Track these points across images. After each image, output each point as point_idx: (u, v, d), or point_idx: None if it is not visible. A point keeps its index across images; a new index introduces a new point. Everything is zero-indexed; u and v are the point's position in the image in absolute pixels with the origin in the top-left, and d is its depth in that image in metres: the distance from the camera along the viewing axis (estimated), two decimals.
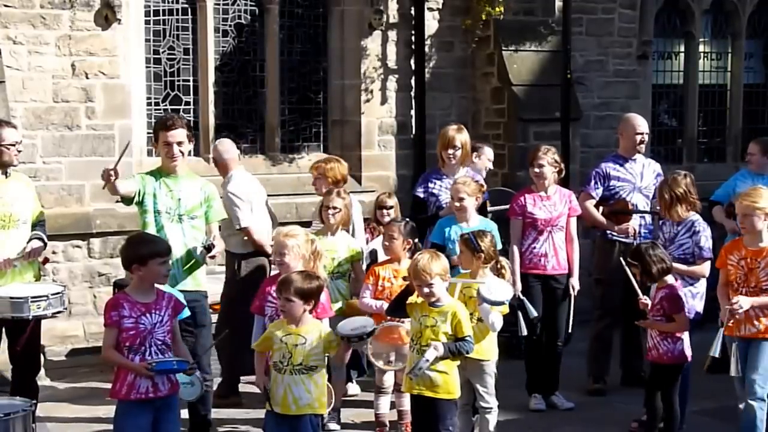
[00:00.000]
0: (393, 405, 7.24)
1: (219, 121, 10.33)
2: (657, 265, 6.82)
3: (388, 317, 6.50)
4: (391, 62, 10.68)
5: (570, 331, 8.01)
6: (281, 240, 6.53)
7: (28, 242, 6.95)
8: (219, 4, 10.25)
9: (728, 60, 12.66)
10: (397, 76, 10.72)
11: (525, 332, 7.30)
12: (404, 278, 6.50)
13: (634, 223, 8.28)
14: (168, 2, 10.02)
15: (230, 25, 10.35)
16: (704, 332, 6.88)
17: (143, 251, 5.49)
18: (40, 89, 9.16)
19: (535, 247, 7.78)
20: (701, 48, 12.45)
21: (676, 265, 7.11)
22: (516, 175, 10.48)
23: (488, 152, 9.09)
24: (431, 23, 10.77)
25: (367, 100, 10.63)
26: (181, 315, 5.80)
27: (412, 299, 6.03)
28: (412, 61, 10.69)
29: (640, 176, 8.39)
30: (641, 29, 11.76)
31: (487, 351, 6.59)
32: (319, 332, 5.62)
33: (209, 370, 7.02)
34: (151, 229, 6.75)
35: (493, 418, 6.66)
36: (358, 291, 7.32)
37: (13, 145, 7.00)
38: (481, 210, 7.83)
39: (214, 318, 7.75)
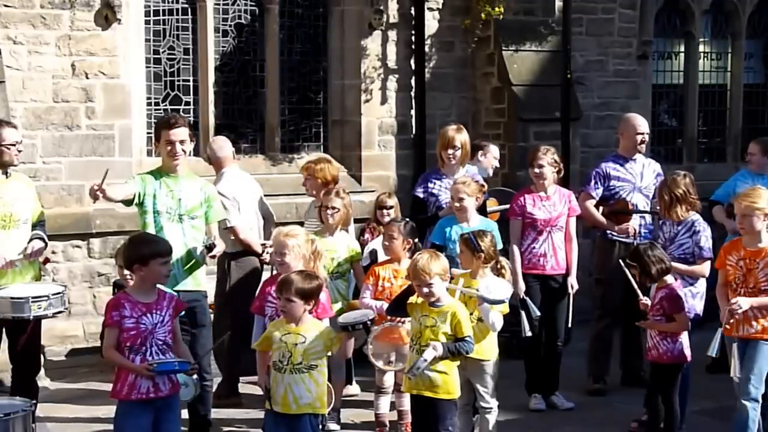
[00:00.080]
0: (393, 405, 7.23)
1: (219, 121, 10.32)
2: (656, 266, 6.81)
3: (389, 317, 6.50)
4: (391, 62, 10.68)
5: (569, 325, 8.00)
6: (281, 240, 6.52)
7: (28, 242, 6.95)
8: (219, 4, 10.24)
9: (728, 60, 12.65)
10: (397, 76, 10.71)
11: (529, 333, 7.31)
12: (406, 278, 6.50)
13: (634, 223, 8.27)
14: (168, 2, 10.01)
15: (230, 25, 10.34)
16: (704, 332, 6.87)
17: (145, 251, 5.50)
18: (40, 89, 9.16)
19: (534, 247, 7.77)
20: (701, 48, 12.44)
21: (676, 264, 7.11)
22: (516, 175, 10.47)
23: (494, 150, 9.11)
24: (431, 23, 10.77)
25: (367, 100, 10.62)
26: None
27: (412, 299, 6.03)
28: (412, 61, 10.69)
29: (640, 176, 8.38)
30: (641, 29, 11.76)
31: (488, 351, 6.58)
32: (319, 331, 5.62)
33: (209, 370, 7.03)
34: (151, 230, 6.73)
35: (493, 418, 6.66)
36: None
37: (14, 145, 6.99)
38: (482, 210, 7.83)
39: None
